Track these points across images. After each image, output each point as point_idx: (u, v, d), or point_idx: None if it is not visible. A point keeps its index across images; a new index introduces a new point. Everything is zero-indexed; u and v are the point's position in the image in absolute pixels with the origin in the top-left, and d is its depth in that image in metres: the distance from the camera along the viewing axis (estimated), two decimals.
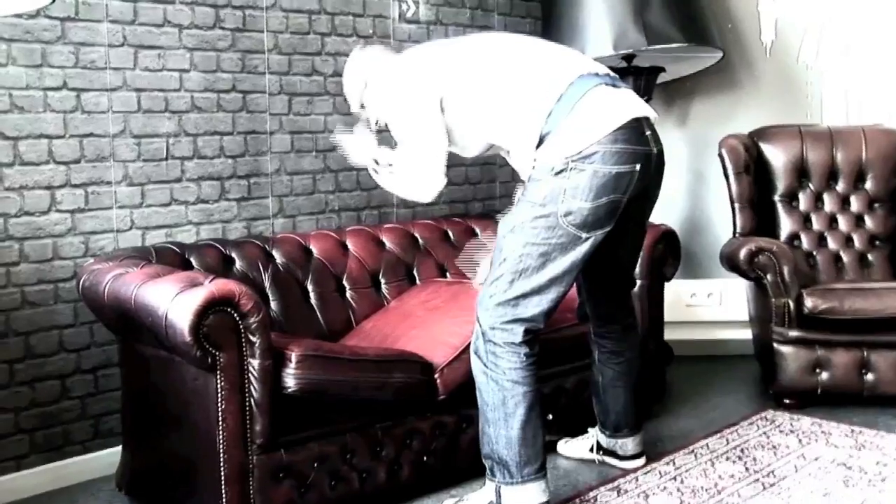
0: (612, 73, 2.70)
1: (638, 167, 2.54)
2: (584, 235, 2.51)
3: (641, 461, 3.10)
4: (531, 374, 2.59)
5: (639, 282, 3.54)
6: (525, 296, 2.55)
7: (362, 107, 2.87)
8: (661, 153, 2.67)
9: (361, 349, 2.81)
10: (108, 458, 3.14)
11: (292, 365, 2.57)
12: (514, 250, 2.54)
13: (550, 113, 2.53)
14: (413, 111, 2.67)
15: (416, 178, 2.72)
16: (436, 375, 2.88)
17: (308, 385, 2.58)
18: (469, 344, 2.74)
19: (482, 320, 2.61)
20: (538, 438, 2.61)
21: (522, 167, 2.66)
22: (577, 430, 3.25)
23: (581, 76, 2.58)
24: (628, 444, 3.09)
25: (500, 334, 2.57)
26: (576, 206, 2.47)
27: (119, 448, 3.06)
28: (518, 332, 2.56)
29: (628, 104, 2.59)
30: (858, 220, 4.16)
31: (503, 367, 2.57)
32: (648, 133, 2.61)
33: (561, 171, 2.48)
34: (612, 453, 3.12)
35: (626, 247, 2.86)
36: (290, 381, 2.57)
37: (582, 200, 2.47)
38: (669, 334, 3.97)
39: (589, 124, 2.50)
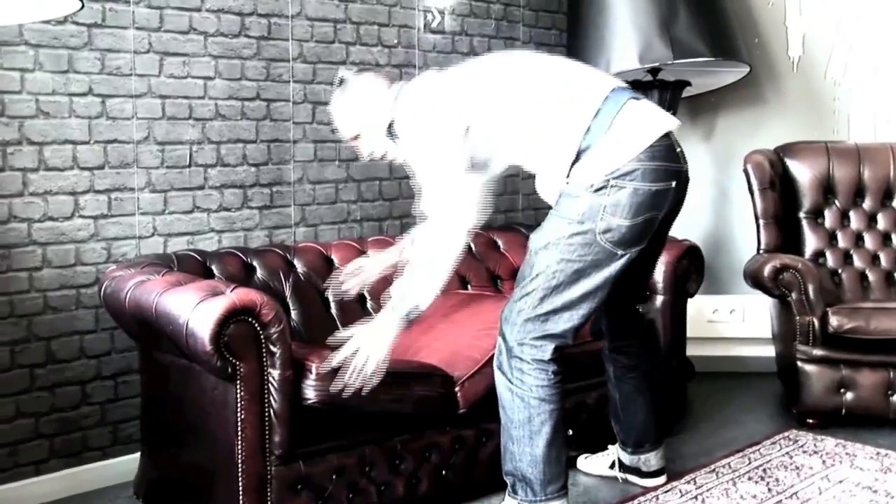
0: (635, 91, 2.68)
1: (673, 184, 2.53)
2: (620, 252, 2.49)
3: (663, 479, 3.07)
4: (558, 391, 2.56)
5: (661, 297, 3.52)
6: (556, 311, 2.52)
7: (355, 137, 2.79)
8: (687, 171, 2.66)
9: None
10: (126, 465, 3.13)
11: (312, 377, 2.55)
12: (547, 266, 2.51)
13: (589, 129, 2.49)
14: (437, 145, 2.57)
15: (446, 219, 2.56)
16: (456, 389, 2.86)
17: (328, 397, 2.56)
18: (490, 357, 2.72)
19: (508, 336, 2.58)
20: (562, 457, 2.59)
21: (550, 188, 2.61)
22: (598, 446, 3.22)
23: (614, 90, 2.57)
24: (651, 460, 3.05)
25: (529, 350, 2.54)
26: (615, 224, 2.46)
27: (137, 455, 3.05)
28: (548, 349, 2.54)
29: (659, 118, 2.58)
30: (885, 239, 4.11)
31: (529, 384, 2.54)
32: (679, 150, 2.60)
33: (601, 189, 2.46)
34: (635, 470, 3.08)
35: (644, 262, 2.81)
36: (311, 392, 2.55)
37: (621, 218, 2.46)
38: (691, 350, 3.93)
39: (628, 139, 2.48)
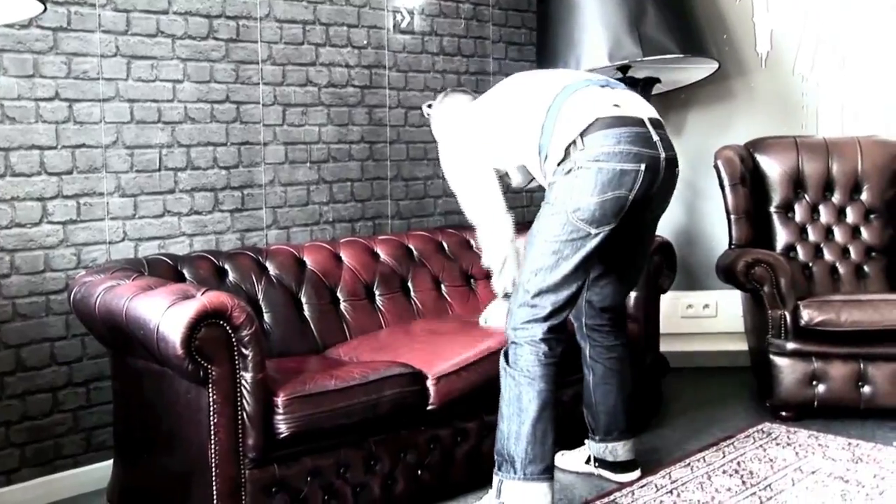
0: (610, 79, 2.85)
1: (643, 167, 2.61)
2: (592, 231, 2.60)
3: (636, 474, 3.08)
4: (549, 373, 2.65)
5: (634, 294, 3.53)
6: (540, 294, 2.65)
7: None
8: (672, 159, 2.73)
9: (347, 373, 2.77)
10: (99, 472, 3.11)
11: (280, 410, 2.55)
12: (531, 252, 2.69)
13: (542, 126, 2.69)
14: (471, 182, 2.99)
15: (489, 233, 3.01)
16: (428, 383, 2.86)
17: (300, 426, 2.57)
18: (472, 363, 2.85)
19: (508, 324, 2.73)
20: (547, 439, 2.64)
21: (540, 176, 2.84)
22: (573, 443, 3.22)
23: (566, 86, 2.72)
24: (619, 449, 3.07)
25: (521, 333, 2.67)
26: (584, 202, 2.57)
27: (110, 462, 3.03)
28: (537, 329, 2.66)
29: (617, 98, 2.71)
30: (854, 232, 4.15)
31: (521, 364, 2.66)
32: (657, 139, 2.68)
33: (569, 171, 2.60)
34: (604, 463, 3.10)
35: (632, 246, 2.94)
36: (282, 426, 2.56)
37: (589, 196, 2.57)
38: (665, 346, 3.95)
39: (576, 117, 2.63)
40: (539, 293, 2.64)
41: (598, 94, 2.70)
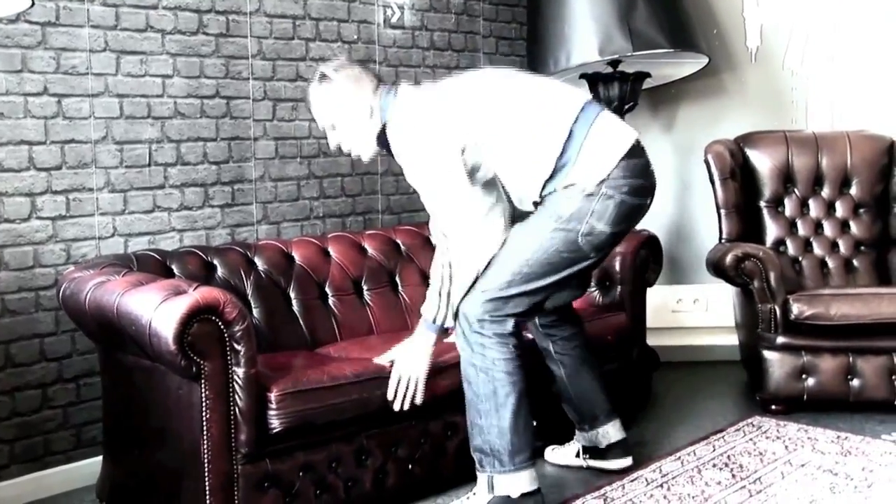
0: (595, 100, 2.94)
1: (648, 201, 2.74)
2: (592, 255, 2.69)
3: (628, 460, 3.09)
4: (520, 364, 2.68)
5: (620, 287, 3.58)
6: (519, 295, 2.67)
7: (333, 127, 2.81)
8: (655, 187, 2.82)
9: (339, 369, 2.77)
10: (89, 469, 3.10)
11: (273, 405, 2.56)
12: (521, 254, 2.66)
13: (563, 150, 2.63)
14: (436, 162, 2.67)
15: (469, 230, 2.69)
16: None
17: (293, 422, 2.58)
18: (455, 363, 2.78)
19: (469, 313, 2.68)
20: (528, 427, 2.68)
21: (524, 199, 2.75)
22: (563, 438, 3.23)
23: (583, 108, 2.69)
24: (609, 431, 3.08)
25: (490, 326, 2.66)
26: (598, 229, 2.63)
27: (100, 458, 3.02)
28: (508, 323, 2.68)
29: (626, 128, 2.77)
30: (844, 226, 4.17)
31: (492, 357, 2.66)
32: (651, 168, 2.76)
33: (590, 195, 2.62)
34: (596, 451, 3.10)
35: (600, 264, 3.00)
36: (275, 421, 2.56)
37: (604, 224, 2.63)
38: (655, 340, 3.96)
39: (607, 149, 2.64)
40: (518, 294, 2.66)
41: (617, 124, 2.74)
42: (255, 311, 3.16)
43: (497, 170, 2.76)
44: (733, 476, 3.04)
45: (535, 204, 2.72)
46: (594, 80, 4.21)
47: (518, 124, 2.71)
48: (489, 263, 2.69)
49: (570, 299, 3.07)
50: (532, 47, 4.31)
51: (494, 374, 2.65)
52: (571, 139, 2.64)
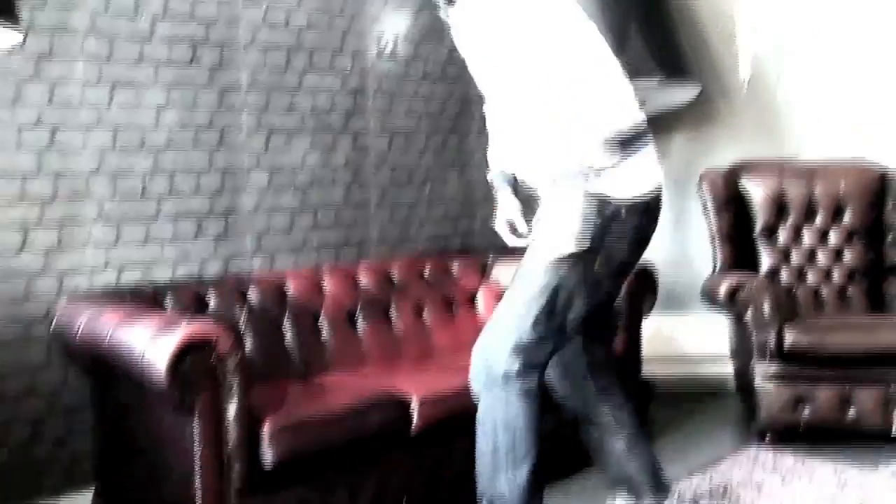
0: None
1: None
2: (605, 284, 2.50)
3: None
4: (538, 417, 2.46)
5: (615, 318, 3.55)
6: (542, 339, 2.45)
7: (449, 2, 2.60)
8: None
9: (332, 400, 2.79)
10: (80, 503, 3.06)
11: (266, 439, 2.54)
12: (543, 287, 2.42)
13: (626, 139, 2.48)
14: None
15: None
16: (412, 408, 2.87)
17: (286, 455, 2.57)
18: (456, 392, 2.72)
19: (495, 365, 2.45)
20: (542, 485, 2.51)
21: (543, 166, 2.51)
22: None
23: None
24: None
25: (516, 383, 2.43)
26: (618, 258, 2.48)
27: (91, 492, 2.98)
28: (534, 379, 2.45)
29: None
30: (837, 255, 4.17)
31: (515, 413, 2.43)
32: None
33: (615, 216, 2.42)
34: None
35: None
36: (268, 456, 2.55)
37: (621, 250, 2.47)
38: (651, 369, 3.94)
39: (649, 173, 2.51)
40: (542, 338, 2.43)
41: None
42: (248, 344, 3.14)
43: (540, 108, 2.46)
44: None
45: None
46: None
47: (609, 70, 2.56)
48: (511, 303, 2.48)
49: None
50: None
51: (515, 430, 2.43)
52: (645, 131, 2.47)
